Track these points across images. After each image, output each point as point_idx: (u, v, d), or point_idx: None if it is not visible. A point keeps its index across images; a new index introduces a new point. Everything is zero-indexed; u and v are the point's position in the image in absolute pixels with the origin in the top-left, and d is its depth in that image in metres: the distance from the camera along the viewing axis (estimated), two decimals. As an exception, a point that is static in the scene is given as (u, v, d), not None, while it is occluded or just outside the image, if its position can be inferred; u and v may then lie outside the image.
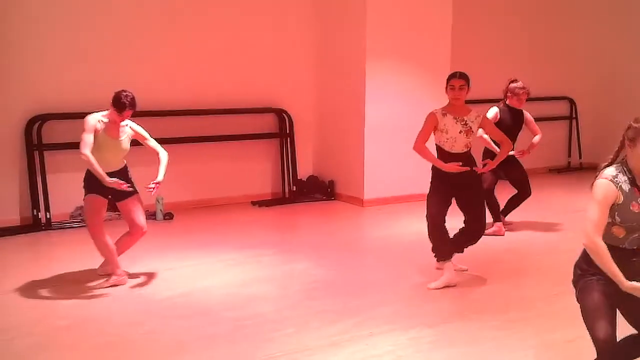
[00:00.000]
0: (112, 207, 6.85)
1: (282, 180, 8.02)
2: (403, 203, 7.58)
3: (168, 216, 6.94)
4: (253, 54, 7.72)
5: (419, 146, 4.84)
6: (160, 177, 4.86)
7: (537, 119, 6.64)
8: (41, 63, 6.50)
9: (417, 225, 6.35)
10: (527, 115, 6.39)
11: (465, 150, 4.82)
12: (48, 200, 6.49)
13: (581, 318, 4.17)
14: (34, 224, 6.49)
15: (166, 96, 7.13)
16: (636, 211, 2.88)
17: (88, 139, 4.58)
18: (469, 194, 4.84)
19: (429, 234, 4.88)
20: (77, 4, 6.68)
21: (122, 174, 4.86)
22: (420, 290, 4.74)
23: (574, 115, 10.25)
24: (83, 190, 4.82)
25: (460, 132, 4.77)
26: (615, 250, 2.89)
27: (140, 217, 4.95)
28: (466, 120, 4.79)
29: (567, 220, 6.81)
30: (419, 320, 4.18)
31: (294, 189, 7.98)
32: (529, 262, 5.53)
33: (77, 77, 6.62)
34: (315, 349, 3.75)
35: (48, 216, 6.51)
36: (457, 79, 4.78)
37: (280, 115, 7.94)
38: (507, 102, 6.24)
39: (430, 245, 4.94)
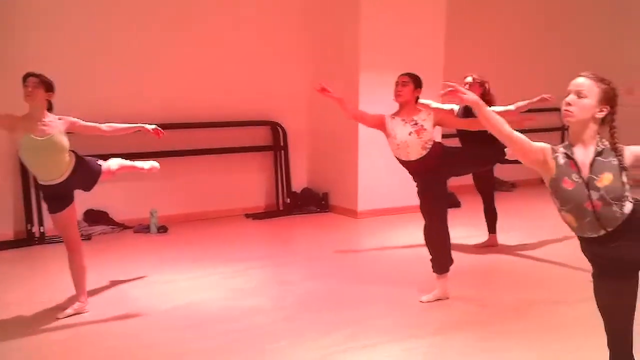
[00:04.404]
0: (108, 221, 6.90)
1: (276, 193, 8.03)
2: (397, 215, 7.59)
3: (162, 229, 6.94)
4: (246, 68, 7.76)
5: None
6: (147, 125, 4.69)
7: (529, 131, 6.51)
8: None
9: (410, 236, 6.38)
10: (493, 109, 5.77)
11: (425, 153, 4.60)
12: (42, 215, 6.48)
13: (574, 329, 4.23)
14: (28, 238, 6.48)
15: (159, 109, 7.13)
16: (569, 188, 2.69)
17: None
18: (420, 193, 4.77)
19: (434, 245, 4.74)
20: (69, 16, 6.72)
21: (69, 183, 4.37)
22: (415, 301, 4.74)
23: (567, 126, 10.19)
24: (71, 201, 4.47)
25: (410, 134, 4.59)
26: (590, 243, 2.75)
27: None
28: (416, 120, 4.64)
29: (560, 230, 6.83)
30: (413, 331, 4.19)
31: (288, 202, 7.99)
32: (524, 273, 5.54)
33: (68, 93, 6.59)
34: (309, 361, 3.75)
35: (42, 230, 6.50)
36: (402, 75, 4.68)
37: (274, 128, 7.96)
38: None
39: (429, 256, 4.81)
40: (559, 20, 10.06)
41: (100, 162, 4.63)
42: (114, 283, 5.17)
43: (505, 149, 5.21)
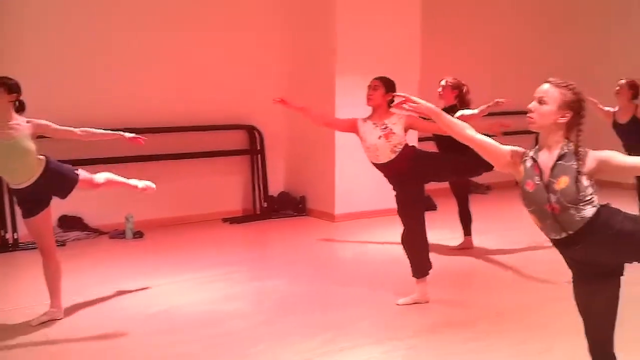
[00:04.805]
0: (83, 227, 6.82)
1: (253, 197, 8.02)
2: (374, 218, 7.61)
3: (138, 235, 6.87)
4: (223, 72, 7.74)
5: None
6: (126, 133, 4.65)
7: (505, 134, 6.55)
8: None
9: (387, 239, 6.40)
10: (462, 112, 5.61)
11: (394, 156, 4.65)
12: (15, 221, 6.38)
13: (551, 329, 4.28)
14: (2, 244, 6.38)
15: (136, 114, 7.09)
16: (530, 190, 2.75)
17: None
18: (397, 197, 4.79)
19: (413, 249, 4.75)
20: (45, 24, 6.65)
21: (39, 188, 4.31)
22: (393, 304, 4.75)
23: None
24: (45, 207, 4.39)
25: (379, 138, 4.64)
26: (557, 245, 2.79)
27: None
28: (386, 124, 4.69)
29: (535, 231, 6.91)
30: (392, 334, 4.21)
31: (265, 206, 7.98)
32: (500, 275, 5.59)
33: (51, 98, 6.53)
34: (289, 365, 3.75)
35: (15, 237, 6.40)
36: (373, 79, 4.74)
37: (251, 131, 7.95)
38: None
39: (407, 260, 4.81)
40: (539, 22, 10.16)
41: (78, 171, 4.55)
42: (90, 289, 5.10)
43: None
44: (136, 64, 7.16)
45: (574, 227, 2.67)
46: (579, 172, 2.65)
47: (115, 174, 4.89)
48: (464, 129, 2.97)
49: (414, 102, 3.11)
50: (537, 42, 10.06)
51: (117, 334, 4.24)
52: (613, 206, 2.74)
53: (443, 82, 6.06)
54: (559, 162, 2.70)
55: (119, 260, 6.06)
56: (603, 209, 2.69)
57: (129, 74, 7.12)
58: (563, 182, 2.66)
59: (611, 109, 6.53)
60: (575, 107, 2.73)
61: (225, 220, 7.69)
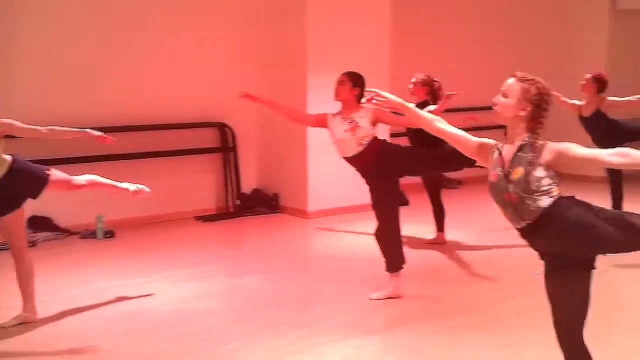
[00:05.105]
0: (53, 227, 6.73)
1: (225, 195, 7.98)
2: (347, 214, 7.63)
3: (109, 234, 6.79)
4: (194, 69, 7.68)
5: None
6: (93, 131, 4.51)
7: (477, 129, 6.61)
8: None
9: (361, 235, 6.43)
10: (429, 108, 5.64)
11: (361, 149, 4.67)
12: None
13: (521, 322, 4.34)
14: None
15: (107, 112, 7.01)
16: (493, 180, 2.81)
17: None
18: (370, 192, 4.82)
19: (386, 243, 4.76)
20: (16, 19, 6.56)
21: (5, 187, 4.17)
22: (366, 299, 4.78)
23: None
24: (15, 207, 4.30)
25: (345, 132, 4.69)
26: (521, 235, 2.84)
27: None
28: (353, 117, 4.72)
29: (506, 226, 6.99)
30: (364, 328, 4.23)
31: (238, 203, 7.95)
32: (472, 270, 5.64)
33: (17, 96, 6.44)
34: (261, 362, 3.75)
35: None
36: (341, 74, 4.79)
37: (223, 129, 7.92)
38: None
39: (380, 255, 4.83)
40: (512, 18, 10.21)
41: (51, 171, 4.43)
42: (62, 290, 5.04)
43: None
44: (107, 63, 7.07)
45: (531, 216, 2.73)
46: (531, 164, 2.71)
47: (87, 173, 4.79)
48: (434, 121, 3.08)
49: (383, 97, 3.17)
50: (510, 39, 10.14)
51: (90, 334, 4.20)
52: (578, 199, 2.77)
53: (413, 79, 6.12)
54: (518, 153, 2.77)
55: (90, 260, 6.00)
56: (562, 200, 2.73)
57: (99, 73, 7.02)
58: (518, 172, 2.73)
59: (578, 102, 6.64)
60: (536, 101, 2.79)
61: (198, 218, 7.64)
